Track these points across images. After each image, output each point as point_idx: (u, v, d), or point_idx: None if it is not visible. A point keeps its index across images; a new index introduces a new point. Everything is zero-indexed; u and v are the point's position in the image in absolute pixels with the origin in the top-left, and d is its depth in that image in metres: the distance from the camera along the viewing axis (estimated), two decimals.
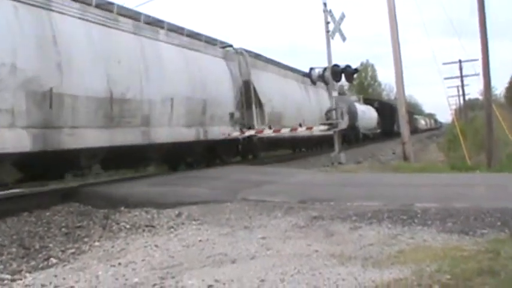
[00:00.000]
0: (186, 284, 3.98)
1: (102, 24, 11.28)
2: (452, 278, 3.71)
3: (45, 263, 5.15)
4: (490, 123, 16.25)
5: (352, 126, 29.46)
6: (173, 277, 4.20)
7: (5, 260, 5.32)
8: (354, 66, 20.34)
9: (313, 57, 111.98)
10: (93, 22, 10.99)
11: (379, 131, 43.12)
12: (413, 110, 78.03)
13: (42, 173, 10.46)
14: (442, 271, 3.90)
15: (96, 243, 5.90)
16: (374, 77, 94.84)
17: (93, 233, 6.55)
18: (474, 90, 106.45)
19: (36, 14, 9.46)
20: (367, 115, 38.49)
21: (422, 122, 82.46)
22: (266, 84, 19.51)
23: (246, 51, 18.92)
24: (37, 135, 9.09)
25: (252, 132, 17.13)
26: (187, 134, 13.85)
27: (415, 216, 6.16)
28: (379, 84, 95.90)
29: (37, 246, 5.91)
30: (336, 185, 10.39)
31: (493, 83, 18.70)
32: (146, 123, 12.26)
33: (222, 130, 15.89)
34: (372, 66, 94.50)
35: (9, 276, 4.63)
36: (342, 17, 18.03)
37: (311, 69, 20.57)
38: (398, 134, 45.82)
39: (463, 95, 57.40)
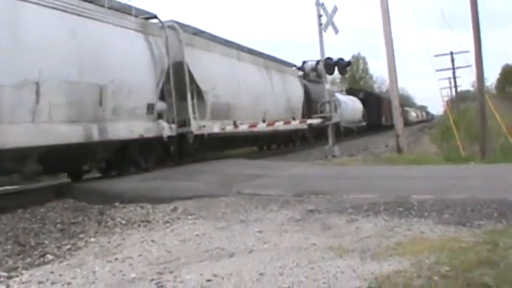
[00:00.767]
0: (184, 279, 3.95)
1: None
2: (452, 270, 3.70)
3: (41, 259, 5.11)
4: (484, 115, 16.28)
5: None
6: (171, 272, 4.17)
7: (1, 257, 5.27)
8: (346, 59, 20.43)
9: (304, 51, 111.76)
10: None
11: (364, 124, 40.18)
12: (405, 103, 77.80)
13: None
14: (441, 263, 3.89)
15: (92, 239, 5.87)
16: (365, 70, 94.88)
17: (88, 228, 6.51)
18: (466, 82, 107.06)
19: None
20: (350, 107, 35.90)
21: (413, 114, 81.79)
22: (209, 67, 15.48)
23: (180, 24, 14.76)
24: None
25: (189, 128, 14.10)
26: (69, 134, 9.62)
27: (411, 208, 6.16)
28: (371, 77, 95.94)
29: (32, 243, 5.86)
30: (331, 178, 10.39)
31: (484, 74, 18.71)
32: None
33: (135, 127, 11.74)
34: (364, 59, 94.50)
35: (5, 274, 4.59)
36: (335, 10, 18.03)
37: (304, 62, 20.66)
38: (386, 127, 45.30)
39: (455, 86, 57.67)
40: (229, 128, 15.96)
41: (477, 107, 17.82)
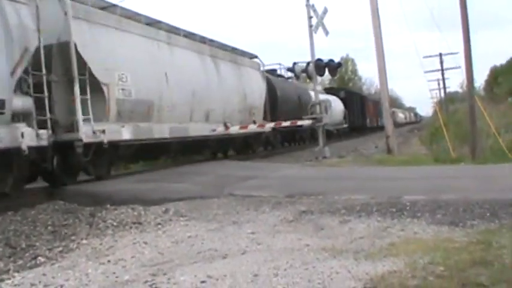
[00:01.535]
0: (178, 281, 3.93)
1: None
2: (446, 270, 3.70)
3: (33, 262, 5.07)
4: (473, 116, 16.31)
5: None
6: (165, 274, 4.14)
7: None
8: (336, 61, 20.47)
9: (294, 53, 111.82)
10: None
11: (346, 125, 36.25)
12: (393, 104, 77.39)
13: None
14: (435, 263, 3.90)
15: (84, 241, 5.83)
16: (354, 72, 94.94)
17: (79, 230, 6.47)
18: (454, 83, 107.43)
19: None
20: (330, 107, 30.64)
21: (400, 116, 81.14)
22: (116, 51, 11.59)
23: None
24: None
25: (77, 135, 10.06)
26: None
27: (404, 209, 6.18)
28: (360, 79, 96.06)
29: (23, 245, 5.81)
30: (323, 179, 10.40)
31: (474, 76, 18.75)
32: None
33: None
34: (352, 60, 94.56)
35: None
36: (325, 11, 18.03)
37: (294, 63, 20.65)
38: (370, 130, 44.64)
39: (444, 88, 57.88)
40: (155, 133, 12.61)
41: (467, 108, 17.88)
